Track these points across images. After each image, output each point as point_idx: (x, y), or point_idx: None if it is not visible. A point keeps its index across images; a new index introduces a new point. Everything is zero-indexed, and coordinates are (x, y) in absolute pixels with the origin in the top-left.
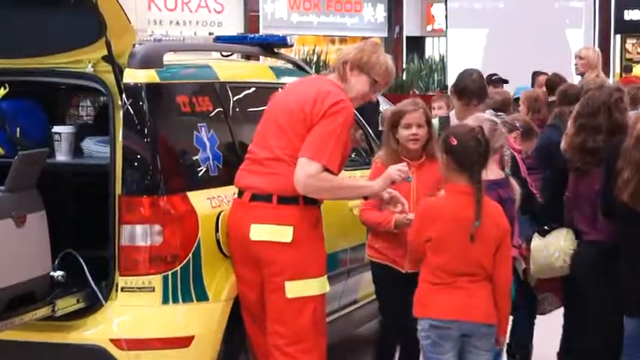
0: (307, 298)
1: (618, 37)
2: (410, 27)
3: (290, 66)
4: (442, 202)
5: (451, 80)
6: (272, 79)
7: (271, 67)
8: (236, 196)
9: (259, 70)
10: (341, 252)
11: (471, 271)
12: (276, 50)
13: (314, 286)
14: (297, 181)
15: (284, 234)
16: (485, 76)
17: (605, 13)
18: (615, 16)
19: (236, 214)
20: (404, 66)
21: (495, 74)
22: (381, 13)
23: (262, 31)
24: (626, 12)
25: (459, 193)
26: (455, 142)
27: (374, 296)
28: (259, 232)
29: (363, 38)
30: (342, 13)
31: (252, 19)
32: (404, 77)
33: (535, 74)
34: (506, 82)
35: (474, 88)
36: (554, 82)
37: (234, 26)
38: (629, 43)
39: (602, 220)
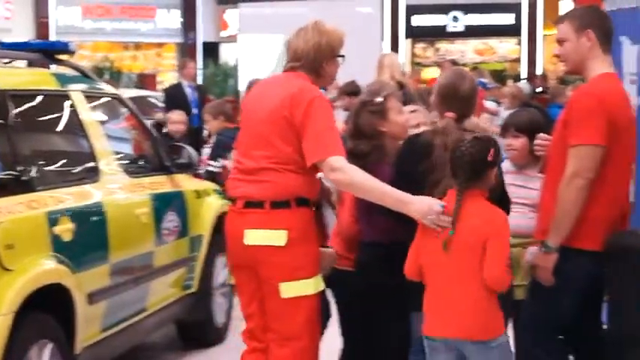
0: (303, 297)
1: (408, 41)
2: (205, 33)
3: (77, 73)
4: None
5: (242, 85)
6: (55, 86)
7: (55, 75)
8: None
9: (41, 78)
10: (128, 260)
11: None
12: (59, 57)
13: (309, 286)
14: (330, 181)
15: (278, 238)
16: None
17: (394, 19)
18: (404, 21)
19: (231, 222)
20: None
21: None
22: (175, 19)
23: (54, 38)
24: (414, 17)
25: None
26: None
27: (163, 304)
28: (253, 236)
29: (159, 44)
30: (136, 19)
31: (42, 25)
32: (199, 83)
33: None
34: None
35: None
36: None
37: (24, 33)
38: (418, 47)
39: (382, 220)
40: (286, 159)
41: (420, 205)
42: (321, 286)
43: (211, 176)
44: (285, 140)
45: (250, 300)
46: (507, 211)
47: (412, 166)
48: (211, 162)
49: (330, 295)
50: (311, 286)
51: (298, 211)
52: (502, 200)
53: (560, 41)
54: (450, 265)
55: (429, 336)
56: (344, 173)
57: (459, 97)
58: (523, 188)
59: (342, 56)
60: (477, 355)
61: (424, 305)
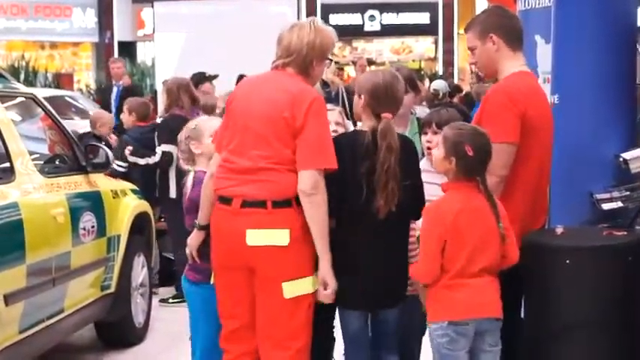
0: (303, 296)
1: None
2: (121, 32)
3: None
4: None
5: (159, 84)
6: None
7: None
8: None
9: None
10: (45, 260)
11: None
12: None
13: (309, 284)
14: (303, 192)
15: (281, 237)
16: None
17: None
18: (321, 20)
19: (225, 221)
20: None
21: (203, 72)
22: (91, 18)
23: None
24: (331, 16)
25: None
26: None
27: (81, 304)
28: (256, 237)
29: (75, 43)
30: (52, 18)
31: None
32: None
33: (240, 77)
34: (215, 77)
35: None
36: None
37: None
38: (336, 46)
39: None
40: (286, 160)
41: (329, 274)
42: (317, 285)
43: (119, 175)
44: (284, 142)
45: (239, 300)
46: (421, 208)
47: (351, 166)
48: (117, 162)
49: None
50: (311, 284)
51: (298, 210)
52: (418, 199)
53: (471, 49)
54: (486, 254)
55: (462, 320)
56: (317, 197)
57: (397, 98)
58: (439, 186)
59: (331, 60)
60: (493, 334)
61: (442, 295)
